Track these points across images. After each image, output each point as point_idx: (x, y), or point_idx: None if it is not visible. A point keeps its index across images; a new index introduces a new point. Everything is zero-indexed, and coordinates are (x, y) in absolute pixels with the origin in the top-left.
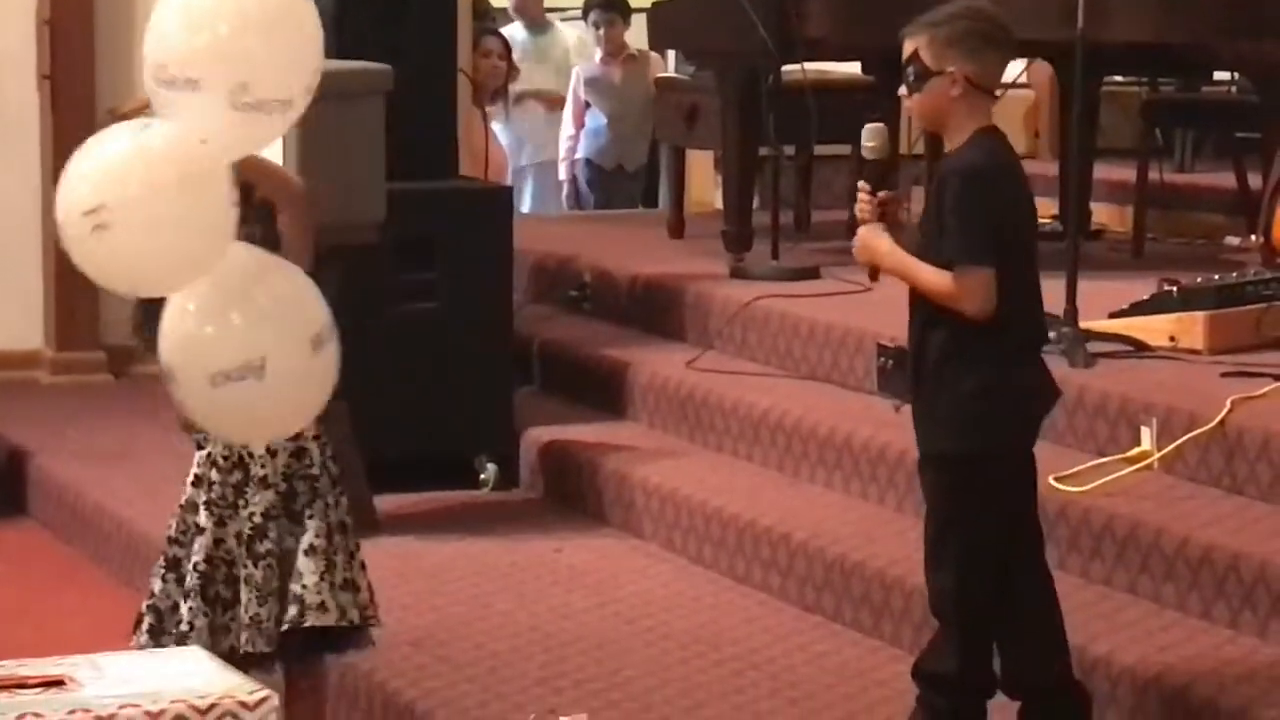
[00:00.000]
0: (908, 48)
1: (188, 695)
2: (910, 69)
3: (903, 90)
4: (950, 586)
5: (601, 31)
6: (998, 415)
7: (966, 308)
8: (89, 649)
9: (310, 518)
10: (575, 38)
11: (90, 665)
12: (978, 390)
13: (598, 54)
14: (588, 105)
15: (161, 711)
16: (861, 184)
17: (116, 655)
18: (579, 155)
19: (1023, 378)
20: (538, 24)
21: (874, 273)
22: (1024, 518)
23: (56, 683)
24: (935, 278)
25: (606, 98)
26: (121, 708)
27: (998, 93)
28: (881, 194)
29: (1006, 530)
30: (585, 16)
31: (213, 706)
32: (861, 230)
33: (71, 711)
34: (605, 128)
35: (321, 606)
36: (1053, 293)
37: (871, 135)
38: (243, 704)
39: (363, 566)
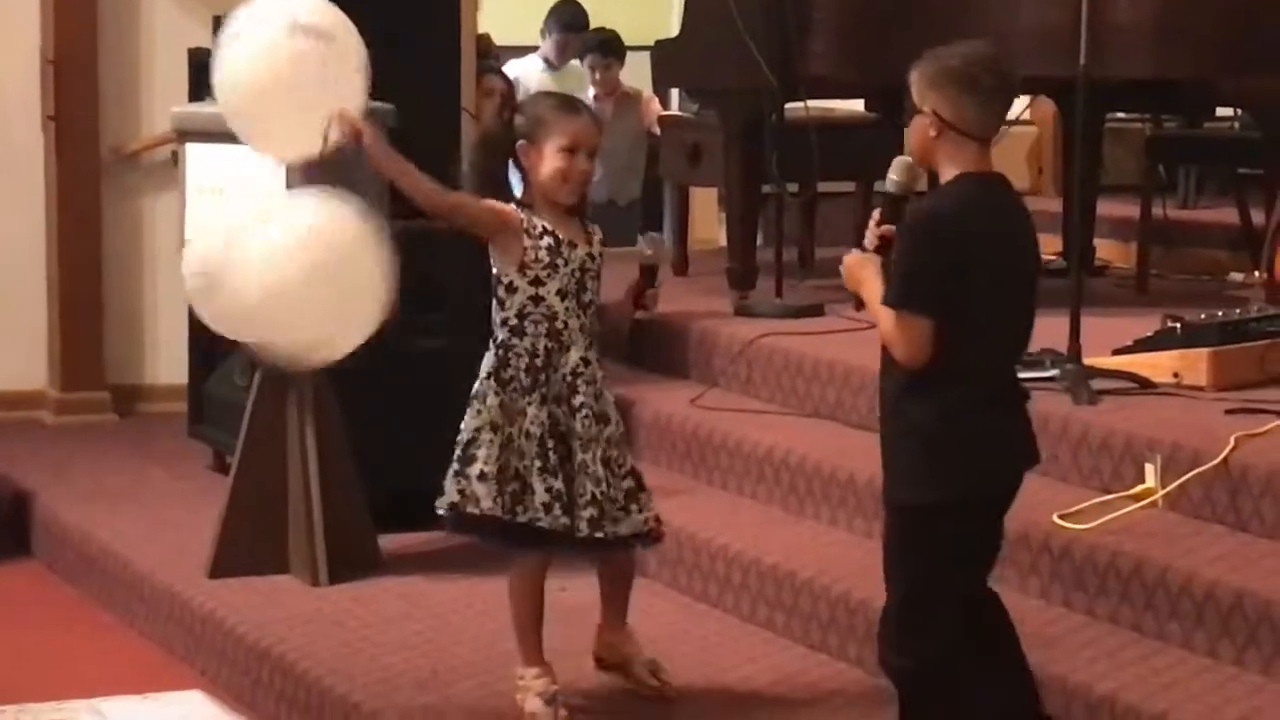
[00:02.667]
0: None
1: None
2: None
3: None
4: (892, 628)
5: (597, 75)
6: (940, 469)
7: (897, 354)
8: (93, 692)
9: None
10: (587, 74)
11: (91, 711)
12: (921, 442)
13: (591, 92)
14: None
15: None
16: (875, 214)
17: (118, 700)
18: None
19: (972, 431)
20: (552, 63)
21: (858, 302)
22: (975, 572)
23: None
24: (884, 319)
25: None
26: None
27: (997, 136)
28: (885, 227)
29: (955, 584)
30: (582, 58)
31: None
32: (850, 256)
33: None
34: (597, 164)
35: None
36: (1056, 329)
37: (896, 169)
38: None
39: None
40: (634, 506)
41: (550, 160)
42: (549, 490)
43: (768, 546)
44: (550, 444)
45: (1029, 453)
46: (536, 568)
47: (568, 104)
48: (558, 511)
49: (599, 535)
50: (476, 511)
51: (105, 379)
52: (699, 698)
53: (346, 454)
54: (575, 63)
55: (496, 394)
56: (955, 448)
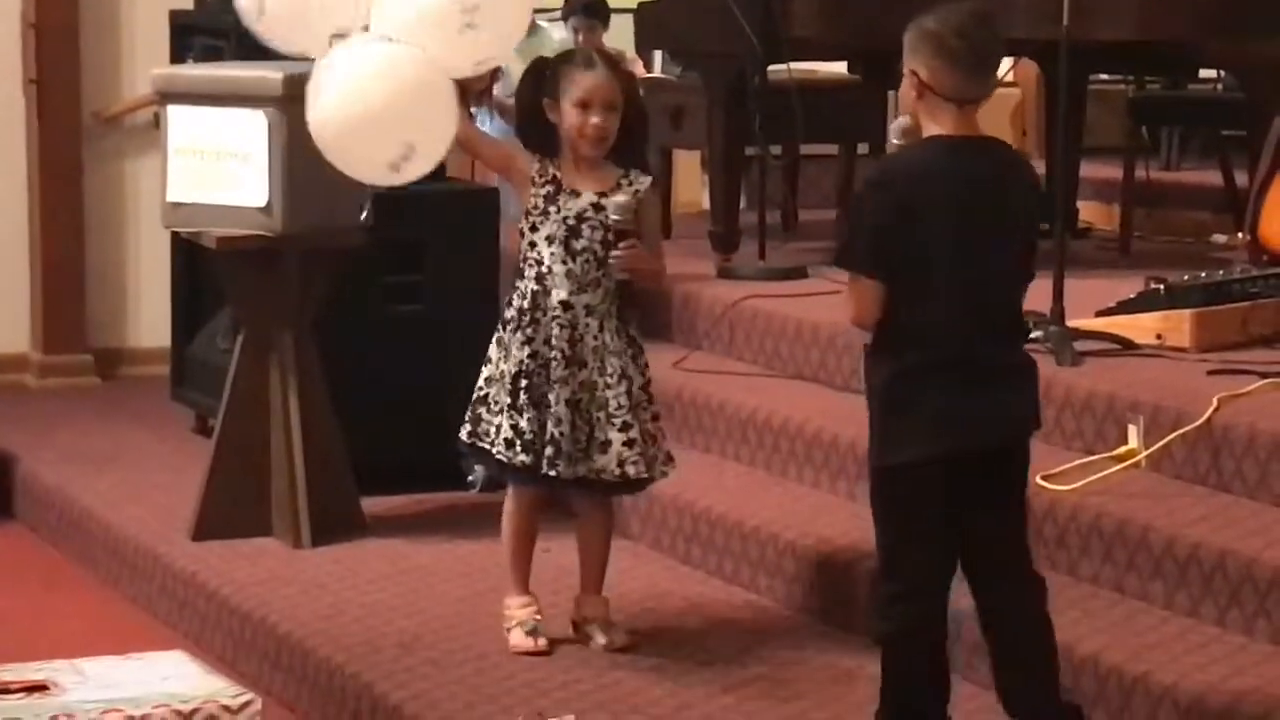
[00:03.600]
0: None
1: (170, 699)
2: None
3: None
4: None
5: (580, 37)
6: (891, 433)
7: (847, 314)
8: (75, 653)
9: None
10: (559, 39)
11: (73, 670)
12: (877, 405)
13: None
14: None
15: (145, 716)
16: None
17: (99, 660)
18: None
19: (914, 397)
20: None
21: None
22: (940, 540)
23: (39, 688)
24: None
25: None
26: (104, 713)
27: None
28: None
29: (919, 554)
30: (565, 20)
31: (195, 710)
32: None
33: (54, 717)
34: None
35: None
36: (1039, 291)
37: (896, 131)
38: (225, 708)
39: None
40: (599, 453)
41: (567, 116)
42: (513, 427)
43: (751, 509)
44: (523, 383)
45: (985, 426)
46: (520, 499)
47: (585, 61)
48: (518, 448)
49: (551, 474)
50: (462, 437)
51: (88, 342)
52: (682, 659)
53: (329, 417)
54: (545, 26)
55: (498, 331)
56: (899, 412)
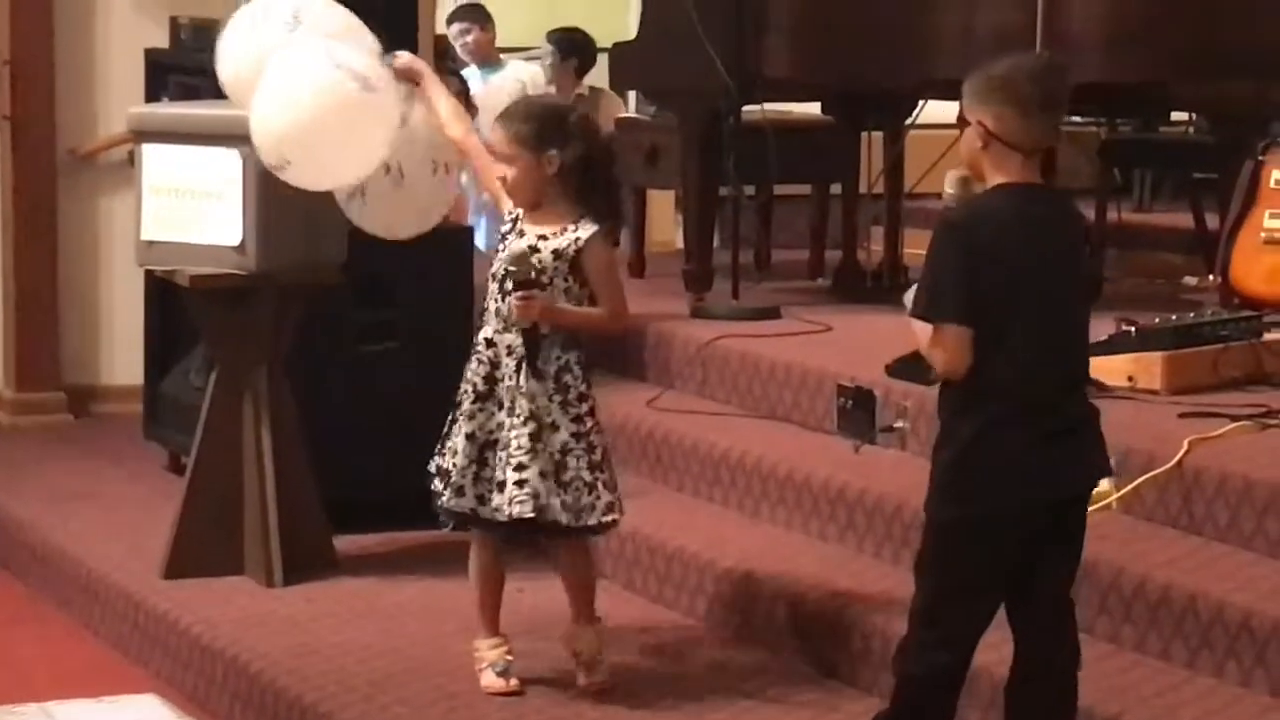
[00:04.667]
0: None
1: None
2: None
3: None
4: (909, 633)
5: (555, 69)
6: (963, 488)
7: (934, 364)
8: (46, 695)
9: None
10: (528, 75)
11: (43, 714)
12: (950, 460)
13: (553, 91)
14: None
15: None
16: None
17: (70, 704)
18: None
19: (997, 449)
20: (490, 63)
21: None
22: (992, 593)
23: None
24: (921, 330)
25: None
26: None
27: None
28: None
29: (965, 600)
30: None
31: None
32: None
33: None
34: None
35: None
36: None
37: (950, 182)
38: None
39: None
40: (496, 492)
41: None
42: (436, 467)
43: (724, 548)
44: (449, 417)
45: (1066, 475)
46: (479, 539)
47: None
48: (438, 484)
49: (442, 503)
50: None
51: (61, 379)
52: (655, 699)
53: (302, 454)
54: (517, 64)
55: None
56: (982, 462)
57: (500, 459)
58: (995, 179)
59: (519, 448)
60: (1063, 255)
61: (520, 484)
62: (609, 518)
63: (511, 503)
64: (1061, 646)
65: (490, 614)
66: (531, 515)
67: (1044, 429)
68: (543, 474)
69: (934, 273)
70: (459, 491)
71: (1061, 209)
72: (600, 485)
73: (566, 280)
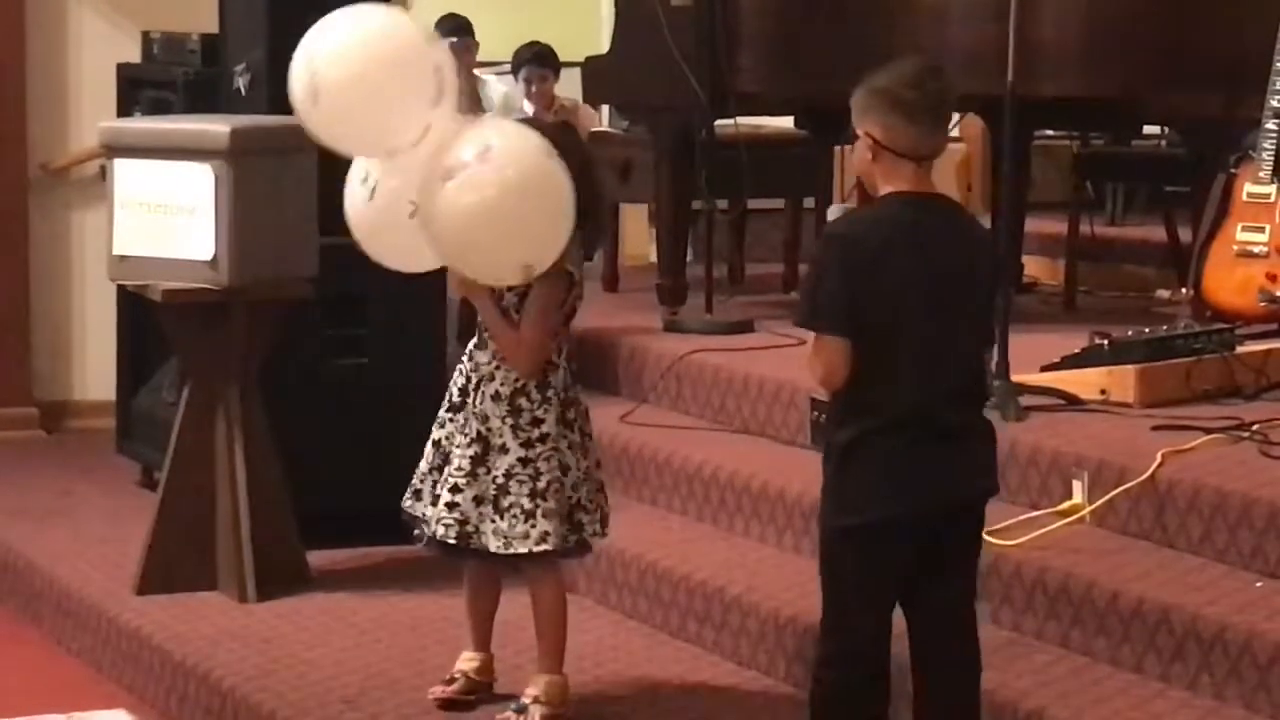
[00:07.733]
0: None
1: None
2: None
3: None
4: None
5: (534, 88)
6: (851, 493)
7: (813, 375)
8: (17, 711)
9: None
10: (502, 93)
11: None
12: (830, 470)
13: (528, 107)
14: None
15: None
16: None
17: (41, 719)
18: None
19: (870, 460)
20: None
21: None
22: (887, 605)
23: None
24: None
25: None
26: None
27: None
28: None
29: (860, 611)
30: (515, 72)
31: None
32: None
33: None
34: None
35: None
36: None
37: (833, 214)
38: None
39: None
40: (430, 505)
41: None
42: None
43: (697, 562)
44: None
45: (943, 487)
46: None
47: None
48: (410, 499)
49: (410, 510)
50: None
51: (33, 395)
52: (629, 715)
53: (275, 469)
54: (490, 80)
55: None
56: (859, 472)
57: (445, 475)
58: (885, 189)
59: (459, 469)
60: (955, 266)
61: (451, 506)
62: (541, 547)
63: (438, 522)
64: (954, 662)
65: (473, 624)
66: (453, 541)
67: (916, 438)
68: (478, 499)
69: (814, 284)
70: (417, 495)
71: (954, 218)
72: (539, 514)
73: (512, 291)
